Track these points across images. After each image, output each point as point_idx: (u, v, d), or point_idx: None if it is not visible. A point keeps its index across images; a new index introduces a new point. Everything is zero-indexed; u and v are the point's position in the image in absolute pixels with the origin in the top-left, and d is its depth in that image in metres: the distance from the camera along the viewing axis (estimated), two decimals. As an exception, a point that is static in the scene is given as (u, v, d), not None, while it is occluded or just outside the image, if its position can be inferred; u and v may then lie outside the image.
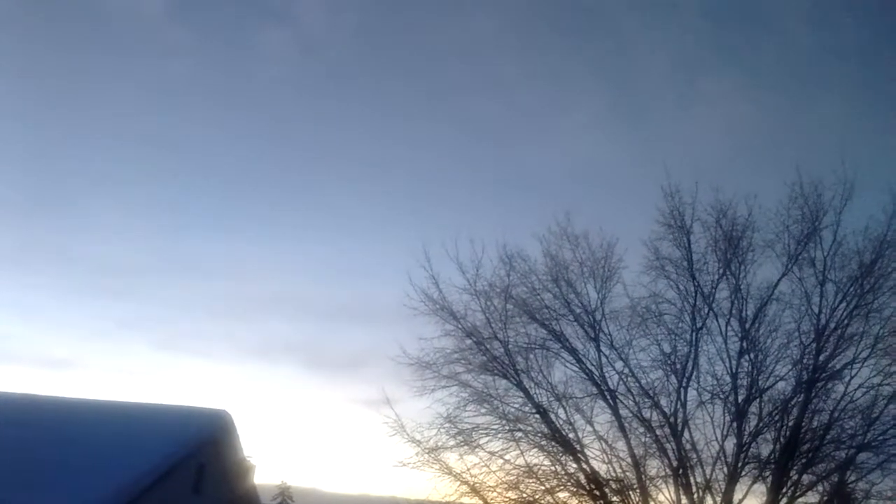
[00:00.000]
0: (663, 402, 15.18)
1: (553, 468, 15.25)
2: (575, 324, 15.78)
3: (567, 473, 15.17)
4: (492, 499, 15.21)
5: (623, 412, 15.22)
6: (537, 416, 15.41)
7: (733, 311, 15.21)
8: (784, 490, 14.58)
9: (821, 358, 14.74)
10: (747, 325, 15.09)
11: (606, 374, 15.50)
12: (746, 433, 14.64)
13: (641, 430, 15.17)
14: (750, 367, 15.00)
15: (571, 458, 15.16)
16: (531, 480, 15.08)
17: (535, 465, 15.22)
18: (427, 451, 15.29)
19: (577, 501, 15.26)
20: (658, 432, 14.98)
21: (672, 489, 14.72)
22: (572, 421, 15.44)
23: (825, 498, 14.92)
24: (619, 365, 15.54)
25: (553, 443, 15.27)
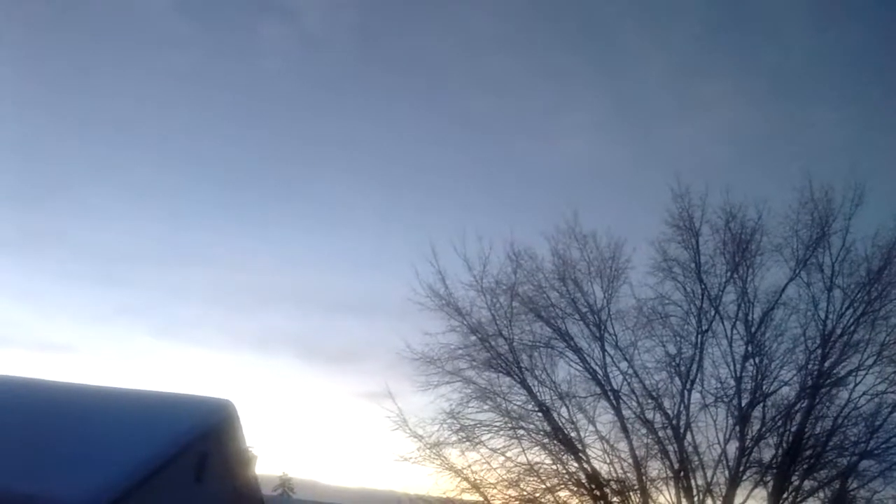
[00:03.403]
0: (666, 403, 15.19)
1: (554, 467, 15.28)
2: (580, 323, 15.79)
3: (568, 472, 15.19)
4: (492, 496, 15.27)
5: (626, 413, 15.23)
6: (540, 414, 15.43)
7: (739, 315, 15.18)
8: (785, 495, 14.58)
9: (826, 364, 14.70)
10: (753, 329, 15.07)
11: (610, 375, 15.52)
12: (749, 437, 14.63)
13: (644, 431, 15.17)
14: (754, 372, 14.99)
15: (573, 457, 15.18)
16: (532, 478, 15.11)
17: (537, 463, 15.25)
18: (429, 446, 15.33)
19: (577, 501, 15.30)
20: (660, 434, 14.98)
21: (673, 491, 14.74)
22: (575, 420, 15.46)
23: (826, 504, 14.91)
24: (623, 365, 15.56)
25: (555, 441, 15.28)
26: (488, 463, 15.28)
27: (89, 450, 15.33)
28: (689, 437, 14.87)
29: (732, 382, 14.95)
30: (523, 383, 15.61)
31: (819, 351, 14.75)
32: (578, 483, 15.10)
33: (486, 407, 15.67)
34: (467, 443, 15.35)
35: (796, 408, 14.78)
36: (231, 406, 18.90)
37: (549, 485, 15.04)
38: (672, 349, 15.38)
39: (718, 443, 14.77)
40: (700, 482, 14.69)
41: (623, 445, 15.11)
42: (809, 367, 14.84)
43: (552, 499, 15.06)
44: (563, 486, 15.10)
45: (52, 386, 19.90)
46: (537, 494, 15.02)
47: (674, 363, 15.26)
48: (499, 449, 15.32)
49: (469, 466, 15.26)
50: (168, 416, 17.46)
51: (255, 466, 20.95)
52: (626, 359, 15.50)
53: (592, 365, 15.60)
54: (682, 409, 14.96)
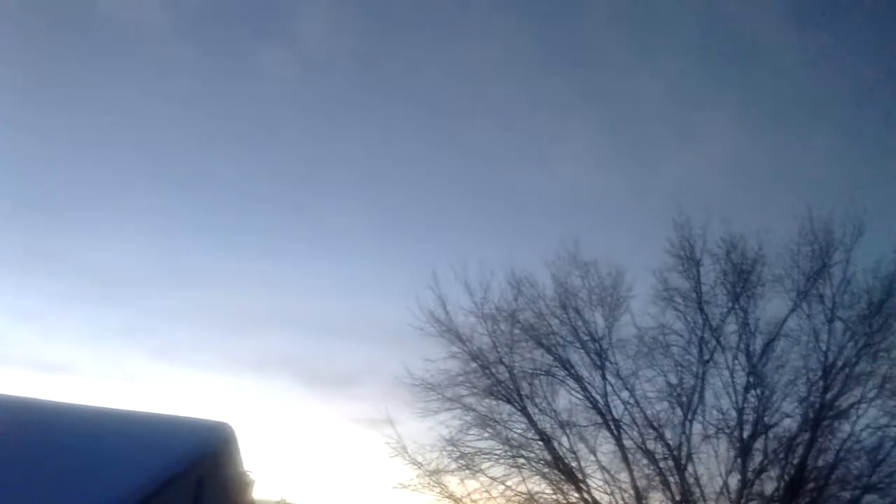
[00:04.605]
0: (668, 434, 15.13)
1: (554, 497, 15.17)
2: (581, 351, 15.79)
3: (568, 503, 15.08)
4: (492, 525, 15.11)
5: (627, 443, 15.16)
6: (540, 442, 15.35)
7: (741, 346, 15.17)
8: (787, 529, 14.44)
9: (828, 396, 14.65)
10: (754, 360, 15.04)
11: (611, 404, 15.48)
12: (751, 470, 14.54)
13: (645, 461, 15.09)
14: (756, 403, 14.93)
15: (573, 487, 15.07)
16: (532, 508, 14.98)
17: (537, 492, 15.18)
18: (428, 473, 15.25)
19: (577, 531, 15.14)
20: (661, 465, 14.89)
21: (674, 523, 14.59)
22: (575, 449, 15.39)
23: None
24: (624, 395, 15.52)
25: (555, 471, 15.19)
26: (488, 492, 15.21)
27: (85, 471, 15.19)
28: (690, 468, 14.80)
29: (734, 413, 14.91)
30: (524, 411, 15.55)
31: (821, 383, 14.71)
32: (579, 513, 14.97)
33: (486, 434, 15.63)
34: (467, 471, 15.30)
35: (798, 440, 14.70)
36: (229, 429, 18.78)
37: (549, 515, 14.91)
38: (673, 379, 15.37)
39: (720, 474, 14.72)
40: (701, 514, 14.58)
41: (624, 476, 15.04)
42: (811, 399, 14.79)
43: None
44: (563, 516, 14.97)
45: (49, 406, 19.77)
46: (537, 524, 14.89)
47: (675, 393, 15.22)
48: (499, 477, 15.26)
49: (468, 495, 15.20)
50: (165, 438, 17.34)
51: (253, 490, 20.78)
52: (627, 388, 15.48)
53: (593, 394, 15.58)
54: (683, 439, 14.90)
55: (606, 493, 15.02)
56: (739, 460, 14.48)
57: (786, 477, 14.54)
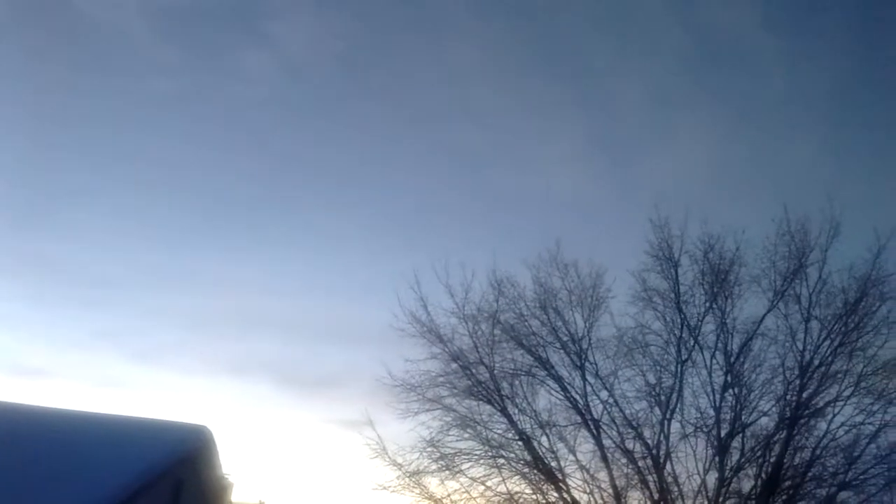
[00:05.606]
0: (646, 433, 15.22)
1: (534, 496, 15.18)
2: (561, 351, 15.83)
3: (548, 502, 15.09)
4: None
5: (606, 442, 15.22)
6: (520, 442, 15.37)
7: (719, 345, 15.33)
8: (765, 526, 14.55)
9: (804, 395, 14.82)
10: (732, 360, 15.18)
11: (591, 404, 15.53)
12: (728, 468, 14.66)
13: (624, 460, 15.17)
14: (734, 402, 15.06)
15: (553, 486, 15.10)
16: (512, 508, 14.97)
17: (517, 492, 15.17)
18: (408, 474, 15.21)
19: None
20: (640, 464, 14.97)
21: (653, 522, 14.65)
22: (555, 449, 15.43)
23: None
24: (603, 394, 15.59)
25: (535, 471, 15.21)
26: (468, 492, 15.19)
27: (63, 475, 15.00)
28: (668, 467, 14.89)
29: (712, 412, 15.03)
30: (504, 412, 15.57)
31: (797, 382, 14.87)
32: (558, 513, 14.98)
33: (466, 435, 15.62)
34: (447, 471, 15.29)
35: (775, 438, 14.85)
36: (208, 432, 18.63)
37: (528, 515, 14.91)
38: (652, 378, 15.48)
39: (698, 473, 14.83)
40: (680, 513, 14.65)
41: (603, 475, 15.11)
42: (788, 397, 14.96)
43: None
44: (543, 516, 14.98)
45: (26, 410, 19.51)
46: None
47: (654, 393, 15.31)
48: (479, 478, 15.25)
49: (449, 496, 15.18)
50: (144, 441, 17.16)
51: (231, 493, 20.62)
52: (606, 388, 15.54)
53: (573, 394, 15.64)
54: (661, 438, 14.98)
55: (586, 493, 15.08)
56: (717, 459, 14.59)
57: (763, 475, 14.67)
